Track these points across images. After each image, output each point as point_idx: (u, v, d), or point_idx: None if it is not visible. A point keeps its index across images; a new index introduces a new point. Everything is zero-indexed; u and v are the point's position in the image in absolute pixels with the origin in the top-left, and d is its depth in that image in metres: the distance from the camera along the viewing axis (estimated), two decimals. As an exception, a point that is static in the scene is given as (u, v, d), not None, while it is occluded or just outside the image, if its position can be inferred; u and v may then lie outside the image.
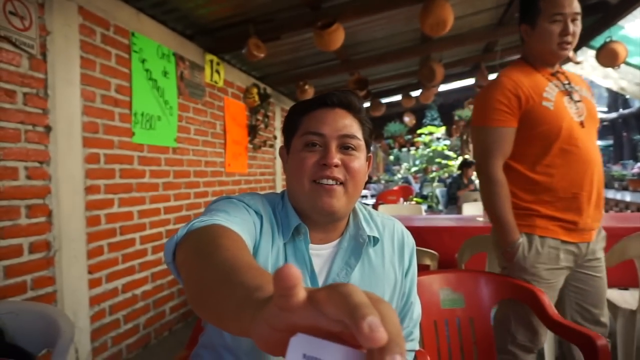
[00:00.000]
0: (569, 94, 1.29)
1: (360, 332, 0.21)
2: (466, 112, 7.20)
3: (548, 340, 1.63)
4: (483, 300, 1.28)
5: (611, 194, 5.19)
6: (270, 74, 4.04)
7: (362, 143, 0.75)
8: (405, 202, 5.94)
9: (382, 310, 0.24)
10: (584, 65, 3.56)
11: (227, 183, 3.47)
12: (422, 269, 1.44)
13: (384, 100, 5.38)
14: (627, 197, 4.76)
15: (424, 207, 4.65)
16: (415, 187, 9.66)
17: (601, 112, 12.64)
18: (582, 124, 1.27)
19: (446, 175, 8.63)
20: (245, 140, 3.81)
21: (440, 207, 7.00)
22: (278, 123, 4.52)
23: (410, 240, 0.87)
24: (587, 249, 1.30)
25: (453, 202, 5.17)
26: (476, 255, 1.90)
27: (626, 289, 1.93)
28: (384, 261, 0.81)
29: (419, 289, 0.91)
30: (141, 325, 2.43)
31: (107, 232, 2.16)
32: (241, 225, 0.64)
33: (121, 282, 2.27)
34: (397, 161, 15.14)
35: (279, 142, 4.46)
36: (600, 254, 1.35)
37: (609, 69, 3.34)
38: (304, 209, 0.75)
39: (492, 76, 4.52)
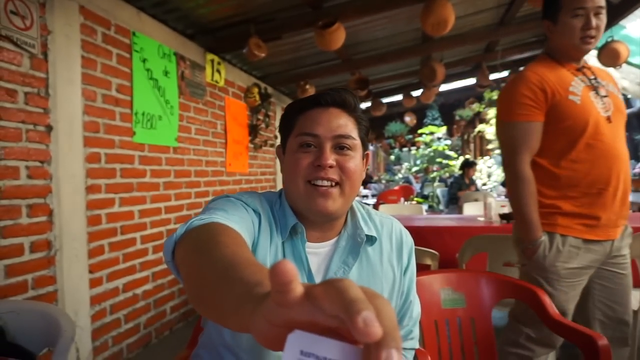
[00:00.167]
0: (595, 89, 1.27)
1: (355, 327, 0.21)
2: (467, 112, 7.20)
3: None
4: (484, 300, 1.27)
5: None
6: (271, 73, 4.04)
7: (357, 142, 0.75)
8: (406, 202, 5.93)
9: (378, 305, 0.24)
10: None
11: (228, 183, 3.47)
12: (423, 269, 1.44)
13: (385, 100, 5.37)
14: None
15: (424, 207, 4.65)
16: (416, 187, 9.65)
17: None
18: (609, 119, 1.25)
19: (447, 175, 8.62)
20: (246, 139, 3.81)
21: (441, 207, 7.01)
22: (279, 123, 4.52)
23: (408, 239, 0.87)
24: (611, 246, 1.28)
25: (454, 202, 5.16)
26: (477, 255, 1.90)
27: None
28: (382, 260, 0.81)
29: (420, 288, 0.91)
30: (142, 324, 2.43)
31: (107, 231, 2.16)
32: (240, 223, 0.64)
33: (122, 282, 2.27)
34: (398, 161, 15.12)
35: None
36: (626, 251, 1.32)
37: (611, 69, 3.33)
38: (300, 209, 0.75)
39: (493, 76, 4.54)
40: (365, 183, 9.59)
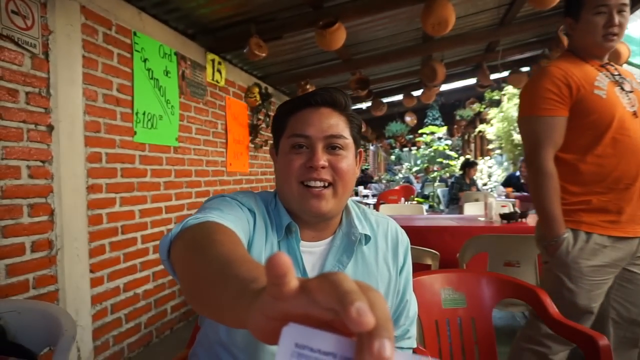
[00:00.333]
0: (619, 84, 1.27)
1: (348, 317, 0.22)
2: (467, 111, 7.20)
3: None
4: (484, 300, 1.27)
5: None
6: (272, 73, 4.04)
7: (349, 141, 0.74)
8: (406, 202, 5.93)
9: (371, 297, 0.24)
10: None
11: (229, 182, 3.47)
12: (424, 269, 1.44)
13: (386, 100, 5.37)
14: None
15: (425, 207, 4.65)
16: (417, 186, 9.64)
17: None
18: (635, 114, 1.24)
19: (447, 175, 8.62)
20: (247, 139, 3.81)
21: (442, 207, 7.00)
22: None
23: (404, 238, 0.87)
24: (638, 245, 1.26)
25: (454, 202, 5.16)
26: (477, 255, 1.90)
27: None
28: (377, 259, 0.81)
29: (421, 288, 0.91)
30: (142, 324, 2.43)
31: (108, 231, 2.17)
32: (235, 222, 0.65)
33: (123, 281, 2.27)
34: (399, 161, 15.12)
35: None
36: None
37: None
38: (294, 210, 0.75)
39: (494, 76, 4.54)
40: (366, 183, 9.59)
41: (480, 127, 8.70)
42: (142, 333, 2.42)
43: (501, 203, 2.83)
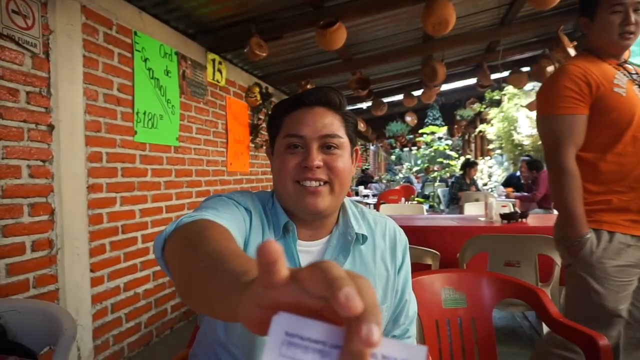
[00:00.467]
0: (638, 83, 1.26)
1: (337, 302, 0.22)
2: (468, 111, 7.19)
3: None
4: (485, 300, 1.27)
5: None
6: (272, 73, 4.04)
7: (344, 140, 0.74)
8: (407, 202, 5.93)
9: (359, 284, 0.25)
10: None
11: (229, 182, 3.48)
12: (424, 269, 1.44)
13: (386, 100, 5.37)
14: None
15: (425, 206, 4.65)
16: (417, 186, 9.64)
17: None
18: None
19: (448, 175, 8.61)
20: (247, 139, 3.81)
21: (442, 206, 7.00)
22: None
23: (402, 237, 0.87)
24: None
25: (455, 201, 5.16)
26: (478, 255, 1.90)
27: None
28: (375, 258, 0.81)
29: (421, 288, 0.91)
30: (143, 323, 2.43)
31: (109, 230, 2.17)
32: (230, 221, 0.65)
33: (123, 281, 2.27)
34: (399, 161, 15.11)
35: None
36: None
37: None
38: (291, 209, 0.76)
39: (494, 76, 4.53)
40: (366, 183, 9.59)
41: (481, 127, 8.70)
42: (142, 332, 2.43)
43: (501, 203, 2.83)
